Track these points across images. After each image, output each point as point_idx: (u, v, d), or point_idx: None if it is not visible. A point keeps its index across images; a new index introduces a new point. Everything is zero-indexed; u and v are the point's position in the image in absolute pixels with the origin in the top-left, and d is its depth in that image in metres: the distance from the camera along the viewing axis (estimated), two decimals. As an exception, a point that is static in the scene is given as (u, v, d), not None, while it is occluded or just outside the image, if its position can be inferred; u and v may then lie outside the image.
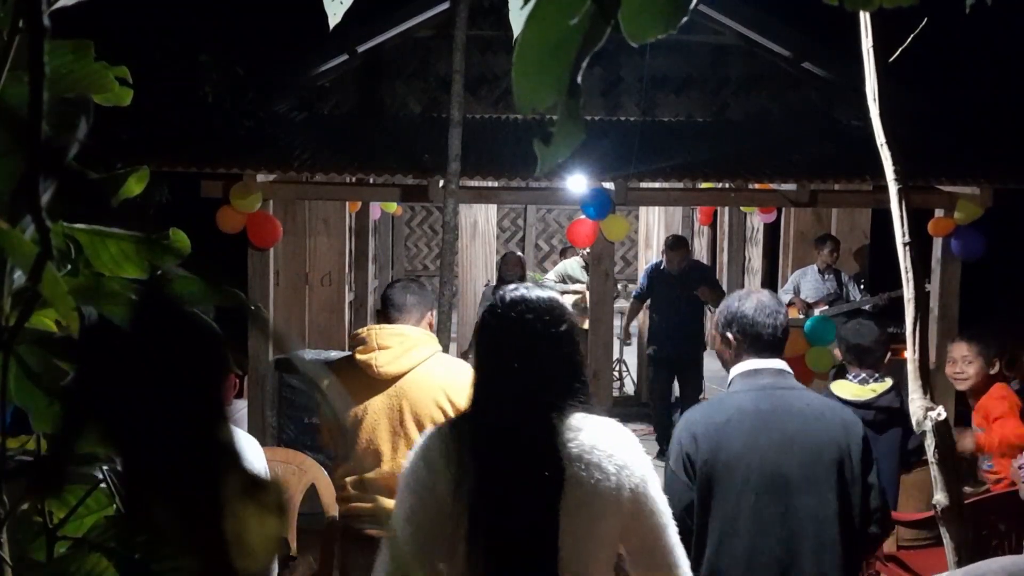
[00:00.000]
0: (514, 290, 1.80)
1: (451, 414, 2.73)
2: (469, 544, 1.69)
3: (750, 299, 2.35)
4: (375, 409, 2.81)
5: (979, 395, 3.84)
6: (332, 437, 2.98)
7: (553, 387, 1.74)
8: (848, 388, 3.69)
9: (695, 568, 2.25)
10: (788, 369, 2.33)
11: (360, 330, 2.91)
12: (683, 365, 6.66)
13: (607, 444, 1.70)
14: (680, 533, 2.31)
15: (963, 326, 5.81)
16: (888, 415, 3.62)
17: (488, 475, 1.71)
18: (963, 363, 3.81)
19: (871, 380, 3.68)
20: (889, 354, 3.81)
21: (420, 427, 2.79)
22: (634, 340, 8.39)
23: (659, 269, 6.85)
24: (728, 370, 2.39)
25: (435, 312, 3.15)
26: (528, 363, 1.74)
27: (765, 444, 2.18)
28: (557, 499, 1.66)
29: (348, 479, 2.90)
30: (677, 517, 2.27)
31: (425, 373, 2.82)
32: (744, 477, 2.17)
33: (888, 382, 3.67)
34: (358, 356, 2.83)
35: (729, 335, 2.34)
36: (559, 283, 7.30)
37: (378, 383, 2.81)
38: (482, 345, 1.81)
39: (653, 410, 6.84)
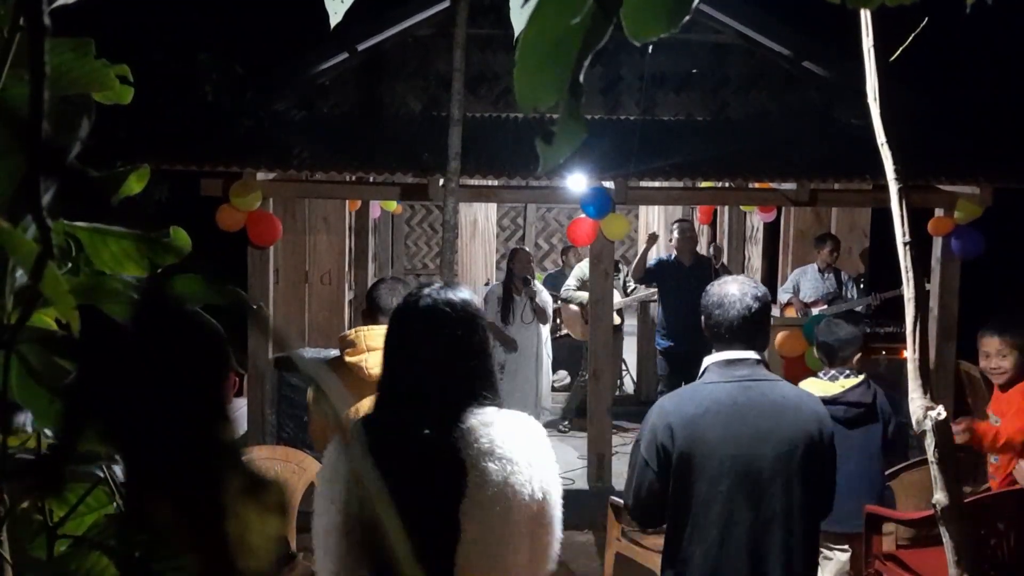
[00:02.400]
0: (426, 290, 1.81)
1: None
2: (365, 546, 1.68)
3: (716, 288, 2.39)
4: (366, 411, 2.81)
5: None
6: (327, 437, 2.98)
7: (459, 384, 1.73)
8: (817, 385, 3.68)
9: (671, 556, 2.27)
10: (762, 359, 2.35)
11: (348, 332, 2.89)
12: (696, 362, 6.48)
13: (519, 439, 1.68)
14: (642, 515, 2.36)
15: (962, 326, 5.82)
16: (861, 409, 3.61)
17: (386, 475, 1.68)
18: (998, 357, 3.63)
19: (840, 376, 3.68)
20: (859, 354, 3.76)
21: None
22: (634, 339, 8.38)
23: (668, 262, 6.72)
24: None
25: None
26: (432, 359, 1.74)
27: (740, 435, 2.20)
28: (458, 498, 1.63)
29: None
30: (641, 501, 2.30)
31: None
32: (719, 467, 2.19)
33: (858, 377, 3.66)
34: (347, 358, 2.81)
35: (703, 324, 2.42)
36: (580, 289, 7.15)
37: (369, 385, 2.82)
38: (390, 344, 1.82)
39: None
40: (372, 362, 2.79)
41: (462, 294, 1.81)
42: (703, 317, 2.40)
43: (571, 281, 7.25)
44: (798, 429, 2.22)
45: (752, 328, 2.32)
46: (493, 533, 1.64)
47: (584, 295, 7.07)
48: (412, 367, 1.77)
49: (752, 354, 2.33)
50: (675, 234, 6.72)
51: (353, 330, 2.88)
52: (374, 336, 2.81)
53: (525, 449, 1.68)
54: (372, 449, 1.72)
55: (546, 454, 1.73)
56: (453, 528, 1.63)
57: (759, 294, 2.35)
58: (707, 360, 2.38)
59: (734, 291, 2.34)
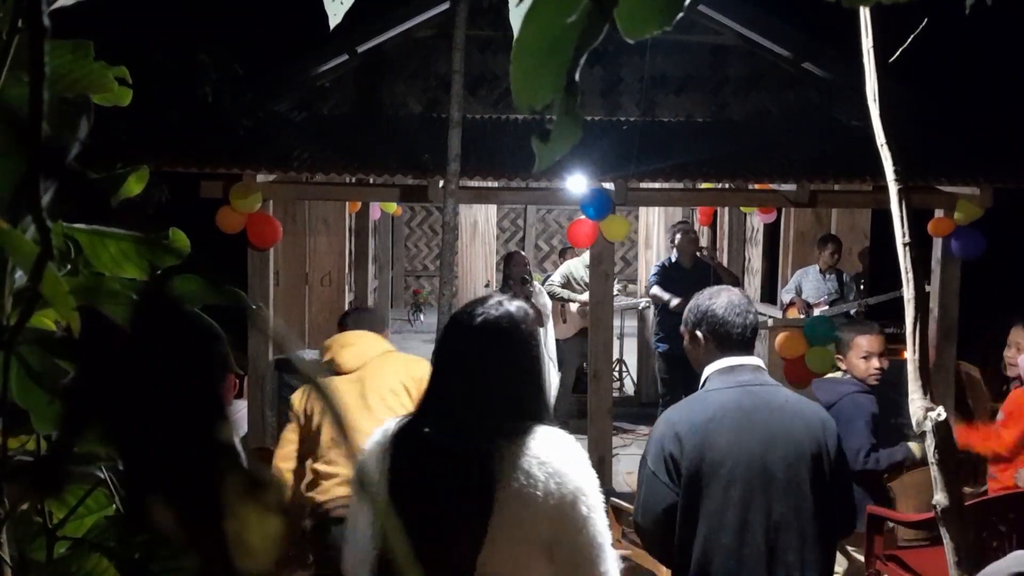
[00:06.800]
0: (481, 302, 1.82)
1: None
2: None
3: (720, 297, 2.36)
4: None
5: None
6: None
7: (501, 398, 1.74)
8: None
9: (683, 566, 2.24)
10: (763, 366, 2.34)
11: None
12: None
13: (553, 455, 1.69)
14: (656, 535, 2.29)
15: (963, 327, 5.82)
16: None
17: (415, 483, 1.71)
18: (1015, 349, 3.67)
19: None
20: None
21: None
22: (634, 340, 8.38)
23: (669, 266, 6.78)
24: (696, 368, 2.38)
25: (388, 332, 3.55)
26: (481, 374, 1.75)
27: (749, 440, 2.18)
28: (487, 515, 1.64)
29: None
30: (656, 518, 2.24)
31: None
32: (730, 473, 2.17)
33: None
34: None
35: (699, 333, 2.34)
36: (564, 287, 7.17)
37: None
38: (438, 354, 1.83)
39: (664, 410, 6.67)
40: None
41: (518, 311, 1.81)
42: (711, 325, 2.34)
43: (555, 277, 7.31)
44: (804, 433, 2.21)
45: (755, 333, 2.36)
46: (524, 539, 1.65)
47: (566, 291, 7.14)
48: (456, 379, 1.78)
49: (753, 359, 2.32)
50: (677, 237, 6.77)
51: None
52: None
53: (558, 463, 1.69)
54: (404, 455, 1.73)
55: (577, 468, 1.73)
56: (479, 538, 1.64)
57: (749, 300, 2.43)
58: (708, 369, 2.34)
59: (740, 299, 2.36)
